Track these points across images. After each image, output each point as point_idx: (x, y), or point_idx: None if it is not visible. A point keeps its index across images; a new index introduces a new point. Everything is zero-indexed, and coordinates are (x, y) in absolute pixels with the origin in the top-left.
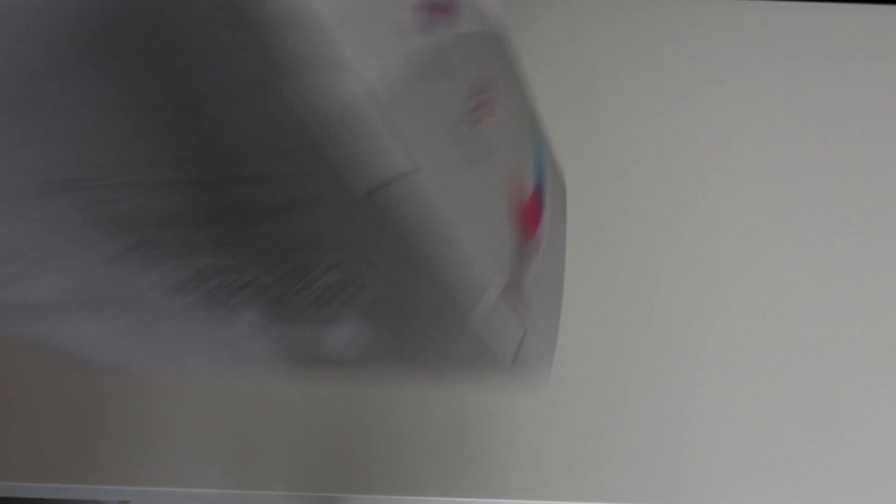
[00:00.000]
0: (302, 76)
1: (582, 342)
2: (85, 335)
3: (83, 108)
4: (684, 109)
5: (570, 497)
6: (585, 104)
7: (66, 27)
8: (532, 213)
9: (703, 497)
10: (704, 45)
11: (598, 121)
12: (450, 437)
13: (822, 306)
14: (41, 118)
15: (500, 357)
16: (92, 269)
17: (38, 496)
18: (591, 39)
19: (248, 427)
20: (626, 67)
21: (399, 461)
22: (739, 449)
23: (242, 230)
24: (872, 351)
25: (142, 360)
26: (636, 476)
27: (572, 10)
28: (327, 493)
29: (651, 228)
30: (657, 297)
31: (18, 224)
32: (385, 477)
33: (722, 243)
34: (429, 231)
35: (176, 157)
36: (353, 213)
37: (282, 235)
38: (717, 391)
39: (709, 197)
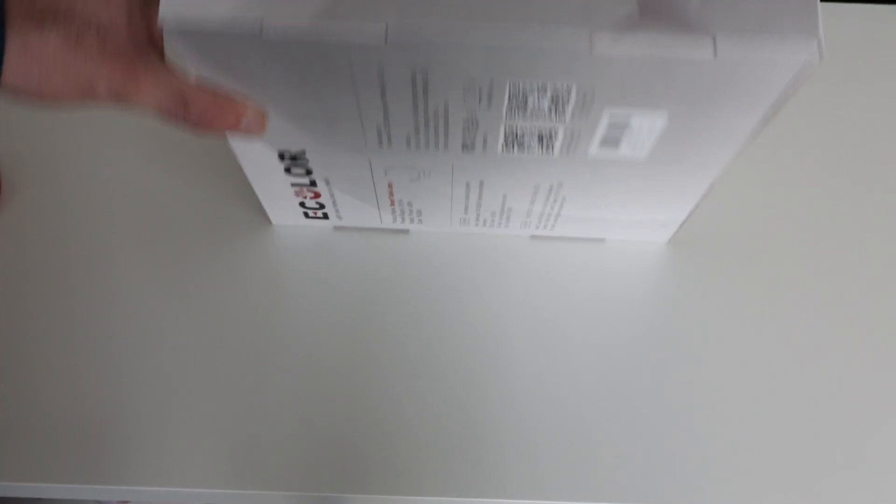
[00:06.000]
0: None
1: (582, 342)
2: None
3: None
4: None
5: (570, 497)
6: None
7: None
8: None
9: (703, 497)
10: None
11: None
12: (450, 437)
13: (822, 307)
14: None
15: None
16: None
17: (39, 496)
18: None
19: (248, 427)
20: None
21: (399, 461)
22: (740, 449)
23: None
24: (873, 351)
25: None
26: (636, 476)
27: None
28: (327, 493)
29: None
30: (658, 297)
31: None
32: (385, 477)
33: (722, 243)
34: None
35: None
36: None
37: None
38: (717, 391)
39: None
